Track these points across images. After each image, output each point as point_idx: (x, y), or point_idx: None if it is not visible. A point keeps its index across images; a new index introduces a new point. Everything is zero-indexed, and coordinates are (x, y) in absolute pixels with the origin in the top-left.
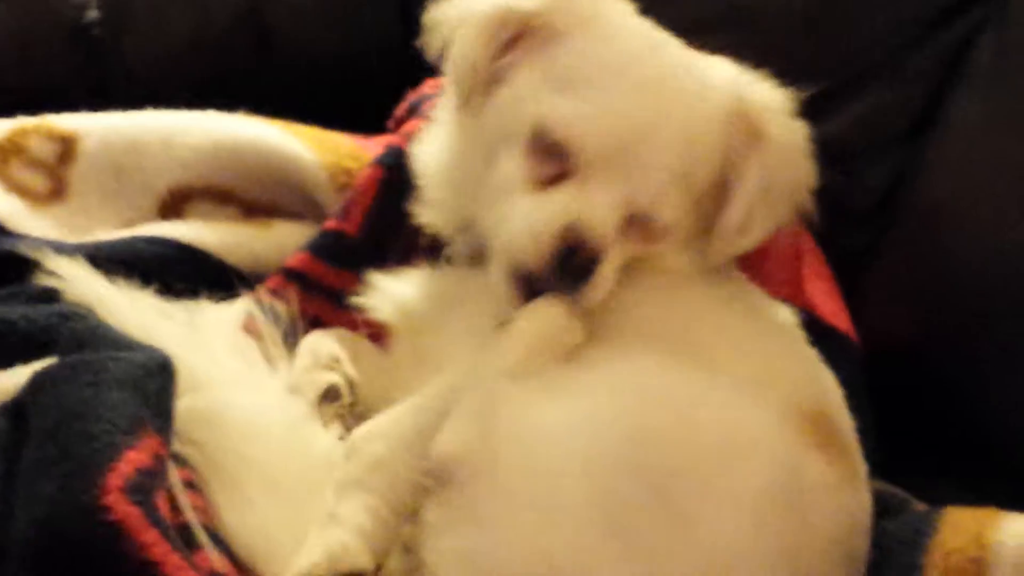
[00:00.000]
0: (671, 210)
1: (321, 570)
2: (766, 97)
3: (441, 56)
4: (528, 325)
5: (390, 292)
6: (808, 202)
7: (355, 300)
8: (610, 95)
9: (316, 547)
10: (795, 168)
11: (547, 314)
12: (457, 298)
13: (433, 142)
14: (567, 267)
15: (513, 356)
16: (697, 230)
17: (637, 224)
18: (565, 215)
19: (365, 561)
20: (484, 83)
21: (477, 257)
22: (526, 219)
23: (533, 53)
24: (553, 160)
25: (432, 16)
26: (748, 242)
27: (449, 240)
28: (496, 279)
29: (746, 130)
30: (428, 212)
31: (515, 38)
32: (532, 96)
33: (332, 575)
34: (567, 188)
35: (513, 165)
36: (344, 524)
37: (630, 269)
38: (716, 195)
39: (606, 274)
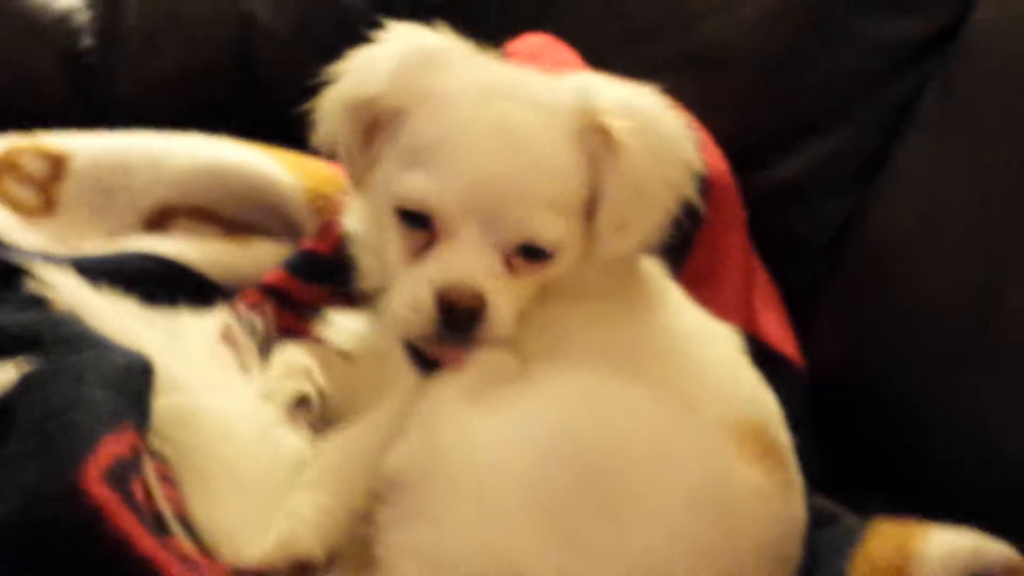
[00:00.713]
0: (548, 233)
1: (275, 556)
2: (615, 101)
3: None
4: (469, 376)
5: (345, 327)
6: (689, 189)
7: (316, 333)
8: (450, 157)
9: (272, 537)
10: (662, 164)
11: (489, 365)
12: None
13: (356, 209)
14: (452, 326)
15: (460, 376)
16: (591, 245)
17: (522, 258)
18: (436, 282)
19: (316, 549)
20: (366, 166)
21: None
22: (404, 295)
23: (390, 136)
24: (420, 231)
25: (314, 109)
26: (633, 240)
27: (380, 292)
28: (396, 357)
29: (600, 140)
30: (362, 274)
31: (375, 122)
32: (390, 180)
33: (283, 560)
34: (436, 253)
35: (394, 243)
36: (298, 517)
37: (551, 296)
38: (595, 206)
39: (497, 315)
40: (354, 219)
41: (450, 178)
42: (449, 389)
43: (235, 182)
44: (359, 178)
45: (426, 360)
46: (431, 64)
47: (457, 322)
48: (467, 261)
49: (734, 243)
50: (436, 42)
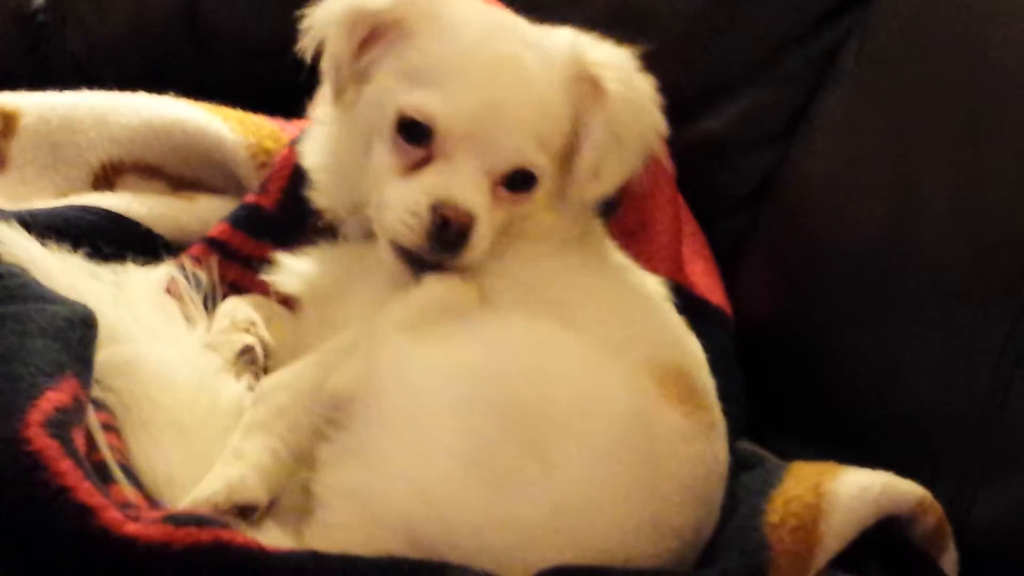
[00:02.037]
0: (535, 163)
1: (220, 498)
2: (604, 56)
3: (316, 57)
4: (425, 292)
5: (295, 269)
6: (658, 148)
7: (264, 276)
8: (460, 80)
9: (217, 479)
10: (639, 118)
11: (445, 284)
12: (355, 270)
13: (317, 138)
14: (442, 240)
15: (405, 314)
16: (560, 190)
17: (505, 188)
18: (433, 194)
19: (260, 495)
20: (353, 79)
21: (368, 234)
22: (400, 203)
23: (389, 50)
24: (417, 147)
25: (304, 20)
26: (602, 188)
27: (342, 221)
28: (384, 257)
29: (588, 89)
30: (321, 199)
31: (371, 36)
32: (391, 90)
33: (229, 505)
34: (432, 169)
35: (384, 155)
36: (245, 460)
37: (511, 235)
38: (571, 154)
39: (479, 239)
40: (317, 142)
41: (460, 99)
42: (395, 319)
43: (180, 138)
44: (340, 90)
45: (415, 263)
46: None
47: (447, 239)
48: (464, 182)
49: (662, 195)
50: None
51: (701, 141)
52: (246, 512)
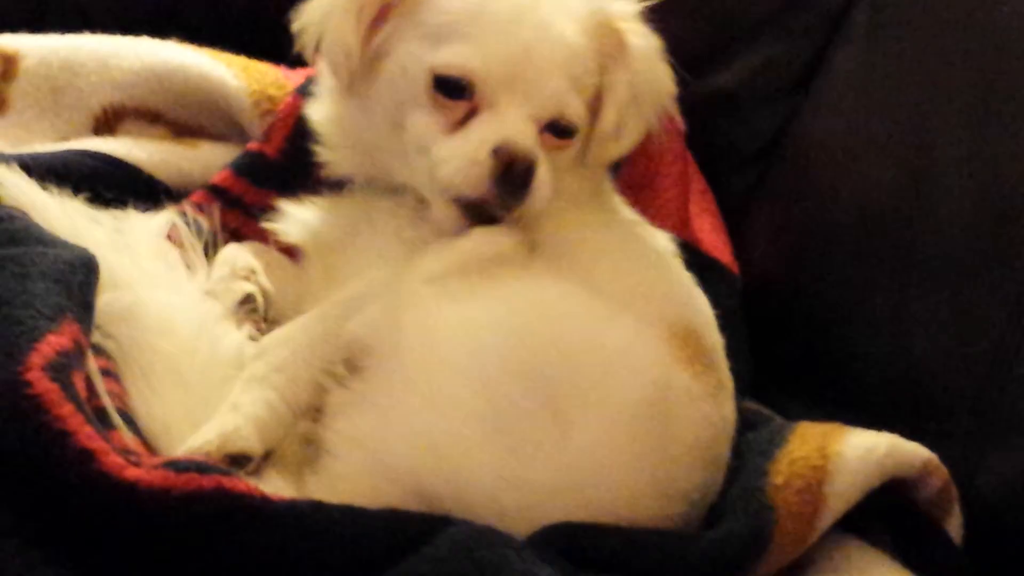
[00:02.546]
0: (574, 109)
1: (212, 447)
2: (623, 9)
3: (317, 53)
4: (469, 245)
5: (299, 218)
6: (671, 107)
7: (267, 225)
8: (487, 29)
9: (212, 428)
10: (657, 75)
11: (492, 239)
12: (361, 223)
13: (328, 107)
14: (509, 183)
15: (440, 265)
16: (582, 149)
17: (547, 134)
18: (492, 139)
19: (254, 445)
20: (363, 66)
21: (382, 189)
22: (457, 155)
23: (403, 22)
24: (458, 103)
25: (298, 21)
26: (622, 147)
27: (350, 178)
28: (442, 214)
29: (612, 41)
30: (336, 164)
31: (380, 15)
32: (417, 57)
33: (222, 454)
34: (480, 119)
35: (423, 120)
36: (241, 412)
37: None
38: (593, 105)
39: (542, 183)
40: (327, 109)
41: (492, 46)
42: (428, 269)
43: (182, 84)
44: (354, 78)
45: (477, 215)
46: None
47: (513, 179)
48: (518, 123)
49: (671, 151)
50: None
51: (712, 96)
52: (240, 462)
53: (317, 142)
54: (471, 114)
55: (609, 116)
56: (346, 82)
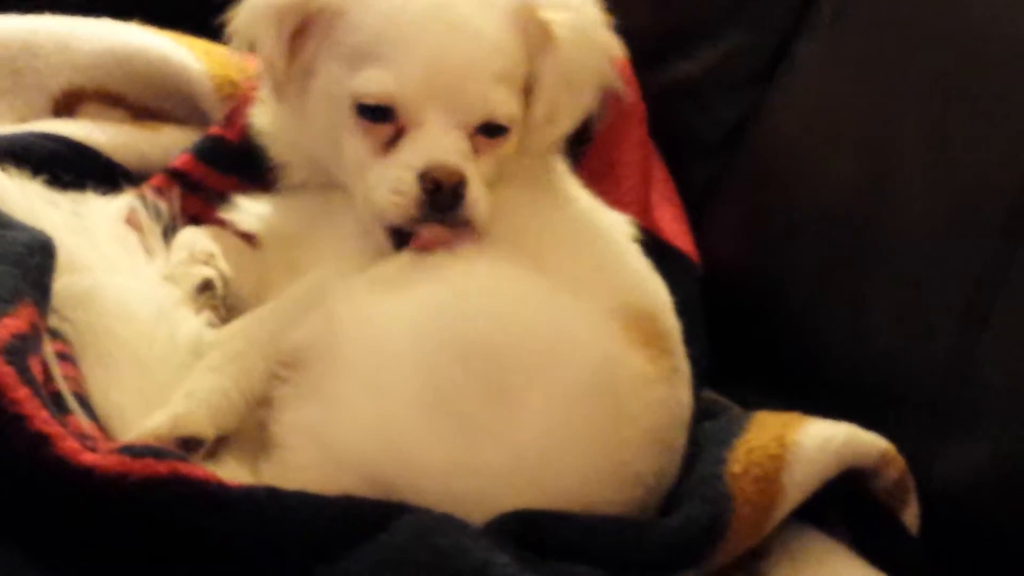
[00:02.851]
0: (503, 107)
1: (164, 430)
2: None
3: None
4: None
5: (253, 211)
6: (613, 79)
7: (222, 214)
8: (403, 47)
9: (165, 412)
10: (591, 56)
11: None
12: (319, 217)
13: (270, 118)
14: (438, 205)
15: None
16: (520, 137)
17: (481, 137)
18: (416, 164)
19: (206, 429)
20: (294, 78)
21: (331, 185)
22: (385, 183)
23: (323, 38)
24: (384, 126)
25: (230, 23)
26: (559, 130)
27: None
28: (377, 236)
29: (536, 30)
30: (284, 171)
31: (302, 28)
32: (339, 81)
33: (172, 437)
34: (408, 140)
35: (353, 143)
36: (194, 398)
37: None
38: (526, 93)
39: (476, 193)
40: (268, 118)
41: (407, 66)
42: (369, 276)
43: (143, 66)
44: (282, 89)
45: (408, 238)
46: None
47: (442, 201)
48: (443, 143)
49: (632, 138)
50: None
51: (675, 84)
52: (190, 445)
53: (271, 150)
54: (399, 134)
55: (540, 105)
56: (276, 93)
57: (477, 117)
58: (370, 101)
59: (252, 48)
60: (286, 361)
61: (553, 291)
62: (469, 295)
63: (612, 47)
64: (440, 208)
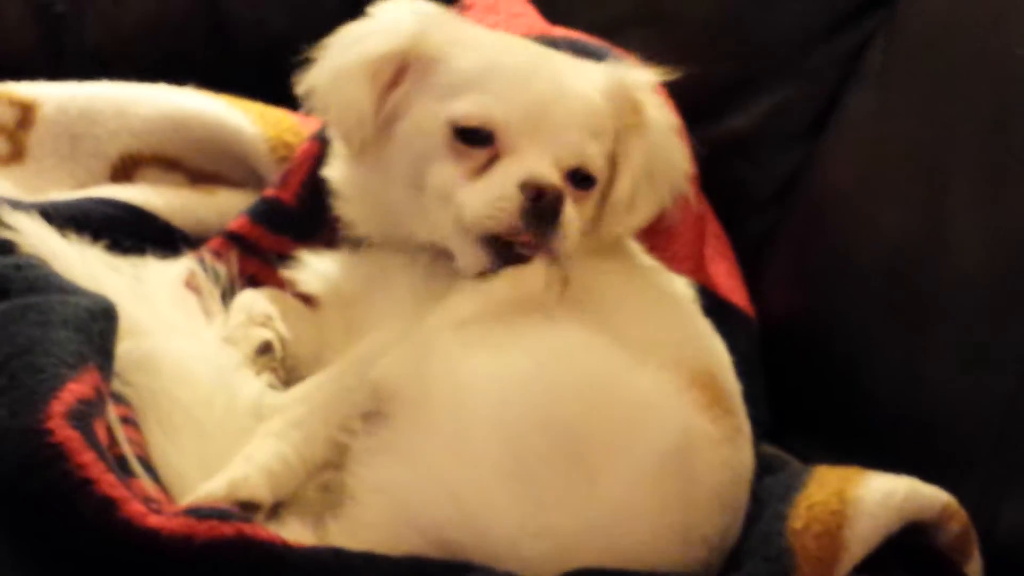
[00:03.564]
0: (594, 158)
1: (220, 494)
2: (641, 79)
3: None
4: (501, 285)
5: (317, 268)
6: (685, 185)
7: (284, 273)
8: (504, 80)
9: (223, 476)
10: (672, 149)
11: (526, 276)
12: (378, 277)
13: (341, 173)
14: (538, 215)
15: (474, 309)
16: (595, 220)
17: (568, 184)
18: (518, 175)
19: (263, 493)
20: (376, 130)
21: (398, 245)
22: (484, 193)
23: (417, 84)
24: (480, 150)
25: (303, 83)
26: (635, 220)
27: (371, 239)
28: (465, 251)
29: (629, 107)
30: (350, 224)
31: (395, 78)
32: (434, 112)
33: (230, 500)
34: (504, 162)
35: (445, 171)
36: (253, 462)
37: None
38: (609, 174)
39: (570, 216)
40: (339, 172)
41: (511, 95)
42: (457, 314)
43: (199, 131)
44: (367, 142)
45: (506, 255)
46: (448, 19)
47: (543, 211)
48: (542, 164)
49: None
50: (438, 7)
51: (727, 139)
52: (247, 510)
53: (334, 198)
54: (493, 160)
55: (624, 184)
56: (357, 148)
57: (570, 158)
58: (471, 123)
59: (331, 107)
60: (366, 407)
61: (633, 361)
62: (554, 365)
63: (686, 158)
64: (540, 218)
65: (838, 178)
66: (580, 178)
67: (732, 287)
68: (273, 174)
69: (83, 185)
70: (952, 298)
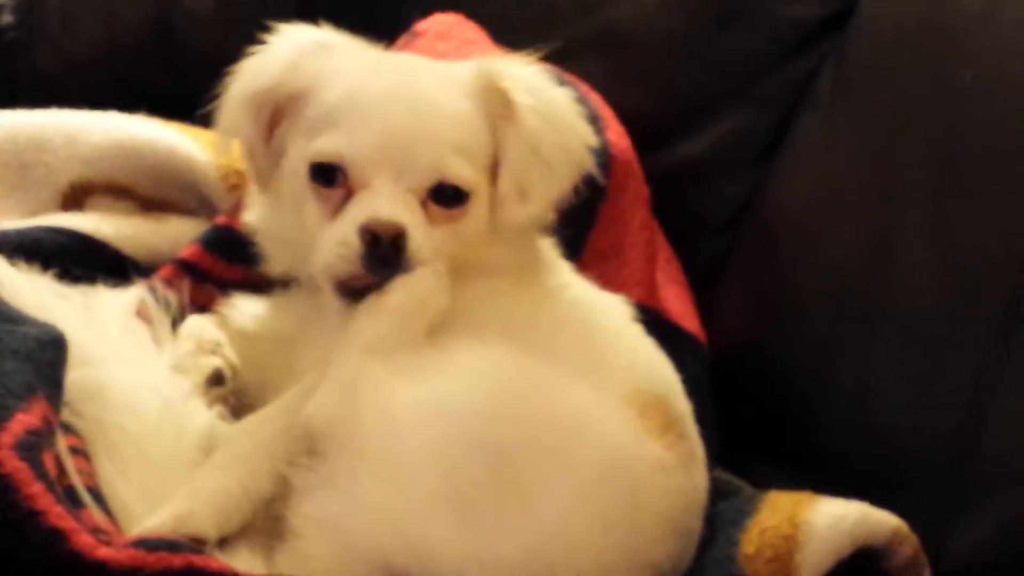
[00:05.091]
0: (457, 172)
1: (165, 529)
2: (511, 70)
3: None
4: (396, 296)
5: (251, 311)
6: (588, 162)
7: (220, 312)
8: (355, 113)
9: (168, 511)
10: (559, 131)
11: (415, 282)
12: (314, 315)
13: (256, 213)
14: (379, 257)
15: (380, 327)
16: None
17: (436, 205)
18: (359, 219)
19: (208, 528)
20: (269, 166)
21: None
22: (331, 238)
23: (293, 120)
24: (335, 189)
25: (216, 124)
26: (534, 208)
27: (292, 276)
28: (328, 297)
29: (498, 100)
30: (270, 263)
31: (276, 114)
32: (300, 150)
33: (175, 535)
34: (354, 201)
35: (310, 209)
36: (198, 496)
37: (464, 272)
38: (495, 171)
39: (417, 251)
40: (256, 212)
41: (359, 130)
42: (374, 336)
43: (150, 158)
44: (263, 176)
45: (356, 294)
46: (323, 49)
47: (382, 254)
48: (384, 201)
49: (637, 219)
50: (324, 34)
51: (679, 165)
52: (201, 544)
53: (254, 235)
54: (347, 198)
55: (505, 177)
56: (256, 182)
57: (427, 179)
58: (322, 159)
59: (236, 136)
60: (305, 445)
61: (565, 382)
62: (487, 389)
63: (584, 132)
64: (381, 261)
65: (789, 204)
66: (449, 195)
67: (683, 312)
68: (224, 202)
69: (33, 214)
70: (901, 320)
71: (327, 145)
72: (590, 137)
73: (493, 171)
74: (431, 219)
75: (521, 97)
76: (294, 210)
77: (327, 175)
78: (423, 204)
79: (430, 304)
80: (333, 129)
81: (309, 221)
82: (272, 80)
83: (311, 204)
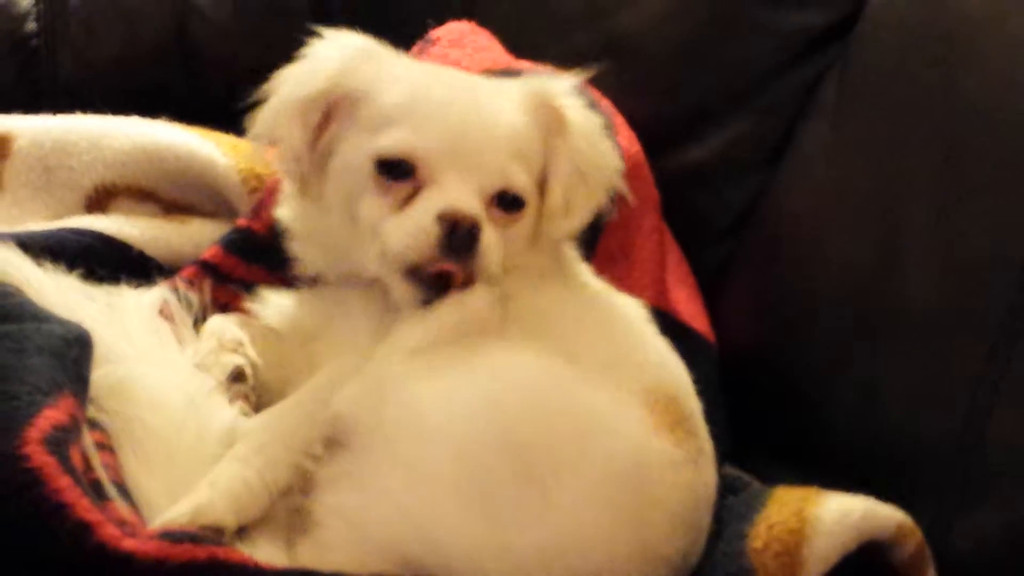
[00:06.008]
0: (518, 180)
1: (184, 519)
2: (560, 87)
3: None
4: (448, 312)
5: (278, 305)
6: (618, 182)
7: (247, 306)
8: (424, 113)
9: (188, 501)
10: (599, 151)
11: (469, 302)
12: (336, 311)
13: (291, 213)
14: (454, 243)
15: (426, 338)
16: (536, 228)
17: (496, 209)
18: (435, 207)
19: (227, 518)
20: (314, 168)
21: (350, 280)
22: (403, 226)
23: (345, 121)
24: (403, 183)
25: (252, 130)
26: (574, 223)
27: (325, 276)
28: (393, 285)
29: (551, 116)
30: (303, 263)
31: (325, 117)
32: (360, 148)
33: (195, 526)
34: (425, 194)
35: (372, 204)
36: (216, 487)
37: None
38: (541, 185)
39: (489, 246)
40: (291, 214)
41: (430, 127)
42: (408, 343)
43: (172, 162)
44: (306, 179)
45: (427, 286)
46: (375, 54)
47: (459, 241)
48: (460, 195)
49: (647, 223)
50: (367, 41)
51: (686, 169)
52: (221, 534)
53: (287, 237)
54: (416, 192)
55: (556, 191)
56: (299, 186)
57: (494, 184)
58: (392, 155)
59: (276, 144)
60: (326, 434)
61: (584, 380)
62: (506, 384)
63: (614, 155)
64: (456, 248)
65: (794, 209)
66: (508, 201)
67: (693, 312)
68: (245, 204)
69: (58, 216)
70: (906, 320)
71: (398, 140)
72: (619, 160)
73: (540, 185)
74: (492, 222)
75: (574, 116)
76: (341, 208)
77: (392, 170)
78: (486, 207)
79: (479, 325)
80: (400, 126)
81: (369, 214)
82: (326, 83)
83: (371, 198)
